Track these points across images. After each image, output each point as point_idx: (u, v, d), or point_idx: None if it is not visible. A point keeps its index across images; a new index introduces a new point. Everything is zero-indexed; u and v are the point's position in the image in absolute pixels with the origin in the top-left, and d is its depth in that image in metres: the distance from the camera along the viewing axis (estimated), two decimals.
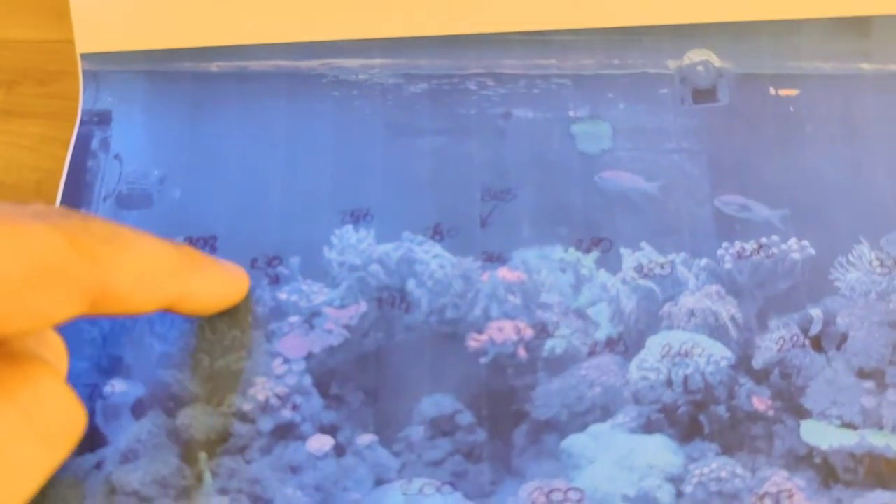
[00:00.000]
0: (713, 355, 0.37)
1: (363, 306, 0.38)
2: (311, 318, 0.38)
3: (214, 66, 0.44)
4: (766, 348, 0.37)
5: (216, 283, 0.36)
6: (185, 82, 0.43)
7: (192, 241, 0.41)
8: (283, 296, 0.39)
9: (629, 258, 0.40)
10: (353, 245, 0.40)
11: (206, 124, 0.43)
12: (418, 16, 0.43)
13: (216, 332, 0.38)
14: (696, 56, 0.43)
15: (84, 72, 0.44)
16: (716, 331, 0.38)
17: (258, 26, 0.44)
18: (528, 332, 0.38)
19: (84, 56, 0.44)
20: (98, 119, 0.44)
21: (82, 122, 0.40)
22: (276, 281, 0.40)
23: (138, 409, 0.35)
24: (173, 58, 0.44)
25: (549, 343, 0.38)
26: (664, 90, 0.40)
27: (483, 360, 0.35)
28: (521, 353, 0.38)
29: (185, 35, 0.44)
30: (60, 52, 0.45)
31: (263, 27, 0.44)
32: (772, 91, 0.43)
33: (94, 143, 0.44)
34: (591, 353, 0.37)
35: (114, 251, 0.25)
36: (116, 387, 0.33)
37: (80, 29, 0.44)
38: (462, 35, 0.42)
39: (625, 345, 0.38)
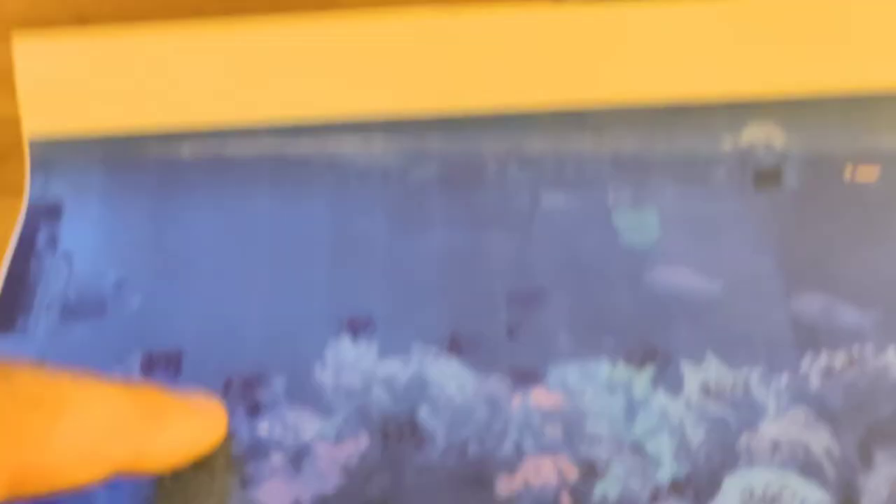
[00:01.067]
0: (808, 500, 0.32)
1: (364, 442, 0.34)
2: (299, 457, 0.34)
3: (185, 152, 0.41)
4: (875, 491, 0.32)
5: (182, 434, 0.30)
6: (149, 171, 0.40)
7: (151, 359, 0.36)
8: (263, 429, 0.34)
9: (692, 375, 0.35)
10: (351, 363, 0.36)
11: (173, 219, 0.39)
12: (427, 89, 0.40)
13: (178, 477, 0.32)
14: (756, 132, 0.40)
15: (32, 158, 0.41)
16: (807, 468, 0.33)
17: (236, 104, 0.41)
18: (573, 473, 0.33)
19: (33, 141, 0.41)
20: (46, 211, 0.40)
21: (28, 216, 0.39)
22: (254, 410, 0.35)
23: None
24: (136, 143, 0.41)
25: (600, 487, 0.33)
26: (720, 172, 0.40)
27: None
28: (565, 500, 0.33)
29: (150, 115, 0.41)
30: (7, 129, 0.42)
31: (242, 105, 0.41)
32: (848, 172, 0.39)
33: (40, 241, 0.39)
34: (654, 500, 0.32)
35: (43, 420, 0.22)
36: None
37: (29, 108, 0.41)
38: (479, 110, 0.40)
39: (695, 489, 0.33)
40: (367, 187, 0.40)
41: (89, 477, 0.26)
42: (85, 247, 0.39)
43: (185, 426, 0.31)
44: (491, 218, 0.39)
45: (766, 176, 0.40)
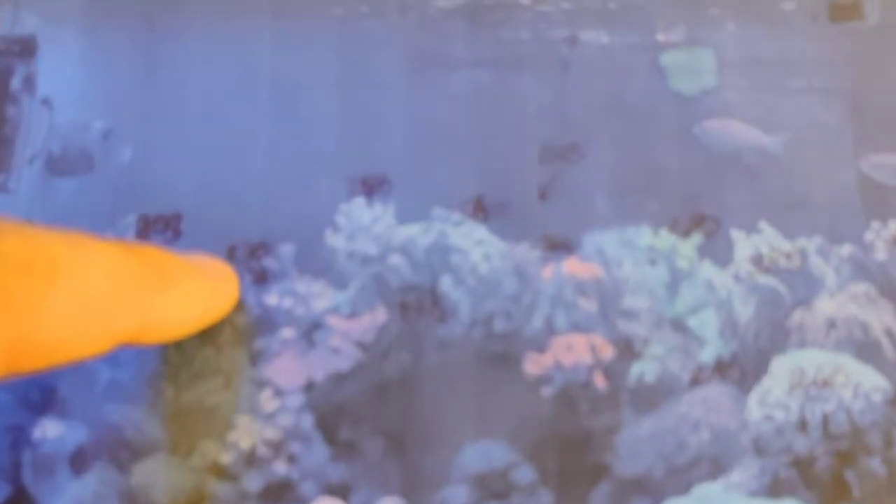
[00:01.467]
0: (862, 385, 0.31)
1: (381, 315, 0.32)
2: (311, 331, 0.32)
3: None
4: None
5: (193, 300, 0.28)
6: None
7: (147, 222, 0.33)
8: (271, 300, 0.32)
9: (743, 244, 0.33)
10: (365, 227, 0.33)
11: (165, 56, 0.36)
12: None
13: (182, 351, 0.31)
14: None
15: None
16: (865, 349, 0.31)
17: None
18: (608, 352, 0.32)
19: None
20: (19, 48, 0.36)
21: None
22: (261, 279, 0.33)
23: (79, 461, 0.30)
24: None
25: (637, 367, 0.31)
26: (789, 4, 0.35)
27: (546, 391, 0.31)
28: (599, 381, 0.31)
29: None
30: None
31: None
32: None
33: (15, 83, 0.36)
34: (695, 382, 0.31)
35: (35, 287, 0.20)
36: (49, 430, 0.30)
37: None
38: None
39: (741, 370, 0.31)
40: (380, 17, 0.36)
41: (90, 350, 0.24)
42: (65, 90, 0.35)
43: (194, 291, 0.29)
44: (522, 57, 0.35)
45: (844, 7, 0.35)
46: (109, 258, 0.23)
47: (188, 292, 0.28)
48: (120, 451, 0.30)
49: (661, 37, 0.35)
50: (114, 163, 0.34)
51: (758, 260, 0.32)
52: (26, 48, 0.36)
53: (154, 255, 0.26)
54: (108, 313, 0.23)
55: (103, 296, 0.23)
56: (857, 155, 0.33)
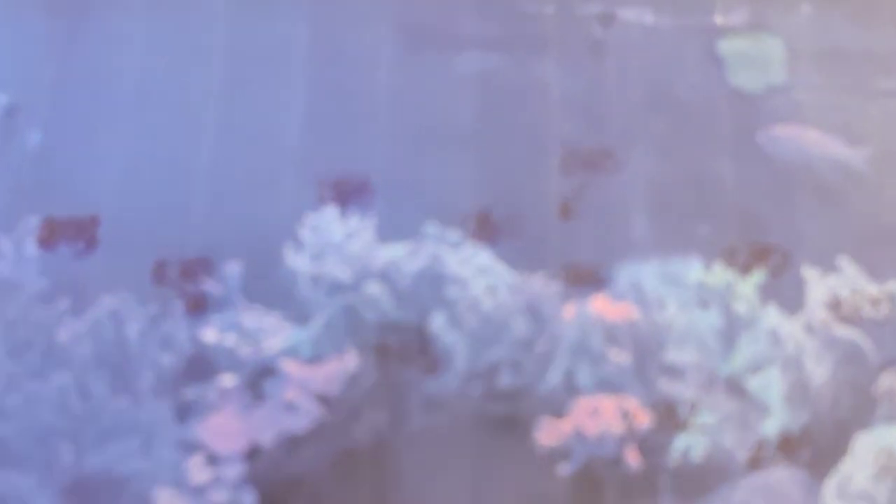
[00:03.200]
0: None
1: (352, 361, 0.29)
2: (260, 379, 0.29)
3: None
4: None
5: None
6: None
7: (54, 226, 0.30)
8: (209, 335, 0.29)
9: (818, 285, 0.30)
10: (337, 244, 0.30)
11: (93, 23, 0.32)
12: None
13: (88, 398, 0.27)
14: None
15: None
16: None
17: None
18: (645, 420, 0.28)
19: None
20: None
21: None
22: (198, 306, 0.29)
23: None
24: None
25: (681, 441, 0.28)
26: None
27: (564, 468, 0.28)
28: (632, 458, 0.28)
29: None
30: None
31: None
32: None
33: None
34: (755, 463, 0.27)
35: None
36: None
37: None
38: None
39: (814, 448, 0.28)
40: None
41: None
42: None
43: None
44: (545, 37, 0.32)
45: None
46: None
47: None
48: None
49: (719, 18, 0.32)
50: (16, 148, 0.31)
51: (836, 306, 0.29)
52: None
53: None
54: None
55: None
56: None
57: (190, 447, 0.27)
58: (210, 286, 0.29)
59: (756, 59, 0.32)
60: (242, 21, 0.32)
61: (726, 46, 0.32)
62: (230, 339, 0.28)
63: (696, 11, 0.32)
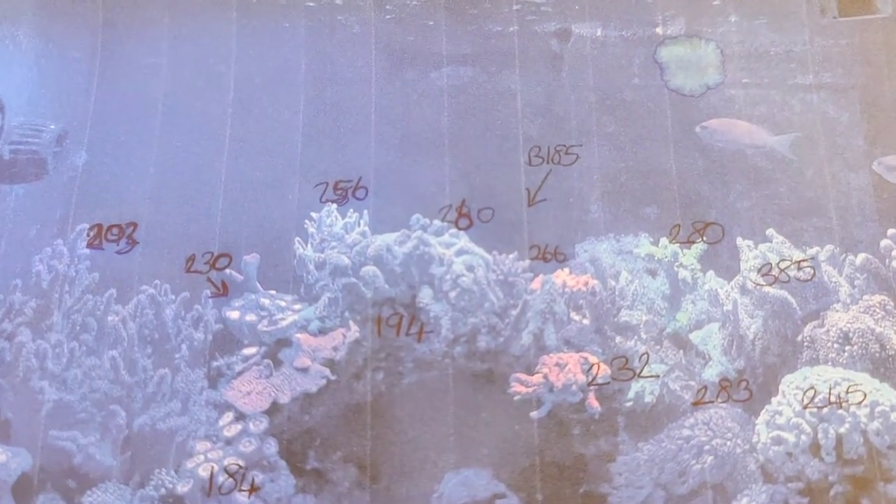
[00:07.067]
0: (880, 404, 0.29)
1: (354, 331, 0.32)
2: (277, 349, 0.31)
3: None
4: None
5: None
6: None
7: (100, 231, 0.33)
8: (233, 314, 0.32)
9: (750, 254, 0.33)
10: (337, 235, 0.33)
11: (124, 57, 0.36)
12: None
13: (135, 370, 0.30)
14: None
15: None
16: (882, 365, 0.30)
17: None
18: (603, 371, 0.31)
19: None
20: None
21: None
22: (223, 292, 0.32)
23: (23, 491, 0.28)
24: None
25: (635, 387, 0.31)
26: None
27: (536, 414, 0.30)
28: (593, 402, 0.31)
29: None
30: None
31: None
32: None
33: None
34: (698, 403, 0.30)
35: None
36: None
37: None
38: None
39: (748, 389, 0.31)
40: (354, 10, 0.35)
41: None
42: (18, 91, 0.35)
43: None
44: (510, 52, 0.35)
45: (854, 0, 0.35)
46: None
47: None
48: (67, 481, 0.29)
49: (660, 29, 0.35)
50: (68, 168, 0.34)
51: (766, 270, 0.32)
52: None
53: None
54: None
55: None
56: (871, 156, 0.33)
57: (221, 407, 0.30)
58: (232, 274, 0.32)
59: (692, 63, 0.34)
60: (251, 52, 0.35)
61: (666, 53, 0.34)
62: (251, 318, 0.31)
63: (639, 24, 0.35)
